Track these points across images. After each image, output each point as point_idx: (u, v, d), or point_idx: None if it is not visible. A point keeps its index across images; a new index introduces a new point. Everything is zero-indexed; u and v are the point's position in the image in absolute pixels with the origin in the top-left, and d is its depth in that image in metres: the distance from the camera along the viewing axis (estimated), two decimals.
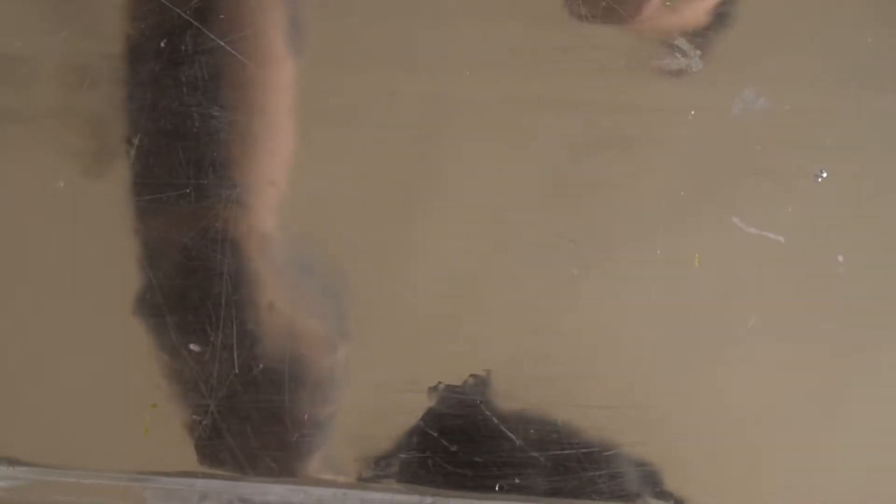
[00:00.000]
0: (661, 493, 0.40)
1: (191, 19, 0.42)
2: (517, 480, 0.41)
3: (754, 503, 0.41)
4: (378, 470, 0.41)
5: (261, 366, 0.42)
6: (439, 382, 0.41)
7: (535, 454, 0.41)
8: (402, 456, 0.41)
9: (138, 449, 0.42)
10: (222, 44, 0.42)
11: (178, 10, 0.42)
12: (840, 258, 0.41)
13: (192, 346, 0.42)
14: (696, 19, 0.41)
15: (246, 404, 0.42)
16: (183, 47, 0.42)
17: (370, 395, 0.41)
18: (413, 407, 0.41)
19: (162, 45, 0.42)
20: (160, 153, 0.42)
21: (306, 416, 0.42)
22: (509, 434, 0.41)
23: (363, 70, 0.42)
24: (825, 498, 0.41)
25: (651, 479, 0.41)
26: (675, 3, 0.41)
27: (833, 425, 0.41)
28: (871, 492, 0.41)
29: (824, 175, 0.41)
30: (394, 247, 0.42)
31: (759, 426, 0.41)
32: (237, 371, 0.42)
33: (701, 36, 0.41)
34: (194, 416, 0.42)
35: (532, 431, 0.41)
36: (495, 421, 0.41)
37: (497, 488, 0.41)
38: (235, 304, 0.42)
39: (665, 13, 0.41)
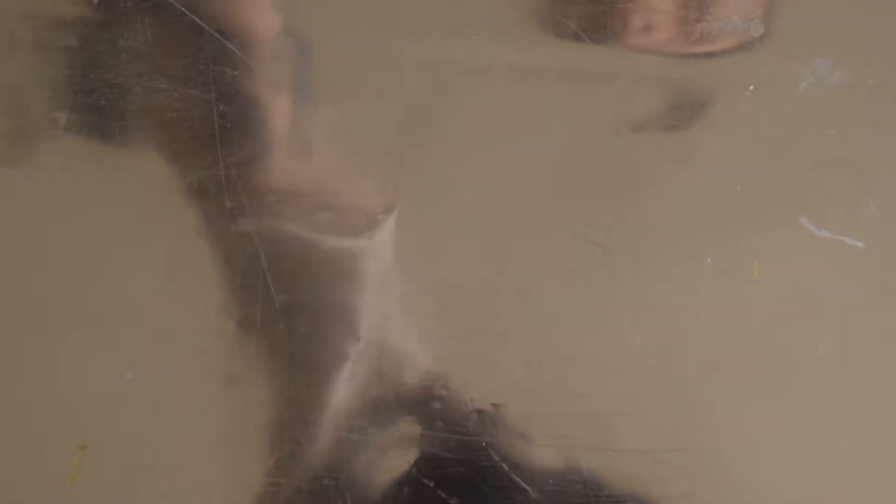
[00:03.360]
0: None
1: None
2: None
3: None
4: None
5: (209, 401, 0.38)
6: (437, 420, 0.38)
7: None
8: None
9: (63, 499, 0.38)
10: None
11: None
12: None
13: (129, 375, 0.38)
14: None
15: (197, 445, 0.38)
16: (122, 2, 0.38)
17: (353, 433, 0.38)
18: (405, 450, 0.38)
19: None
20: (92, 133, 0.38)
21: (272, 461, 0.37)
22: (523, 484, 0.38)
23: (354, 34, 0.39)
24: None
25: None
26: None
27: None
28: None
29: None
30: (381, 252, 0.39)
31: (832, 476, 0.38)
32: (186, 403, 0.37)
33: (768, 8, 0.38)
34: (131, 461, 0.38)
35: (551, 482, 0.38)
36: (505, 468, 0.38)
37: None
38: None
39: None
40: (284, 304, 0.38)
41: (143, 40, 0.38)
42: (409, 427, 0.38)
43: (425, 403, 0.38)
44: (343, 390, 0.39)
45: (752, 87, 0.38)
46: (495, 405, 0.38)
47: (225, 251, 0.39)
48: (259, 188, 0.39)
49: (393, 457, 0.38)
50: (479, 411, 0.38)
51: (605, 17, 0.38)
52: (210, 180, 0.39)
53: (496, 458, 0.37)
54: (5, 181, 0.39)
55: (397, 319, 0.39)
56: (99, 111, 0.38)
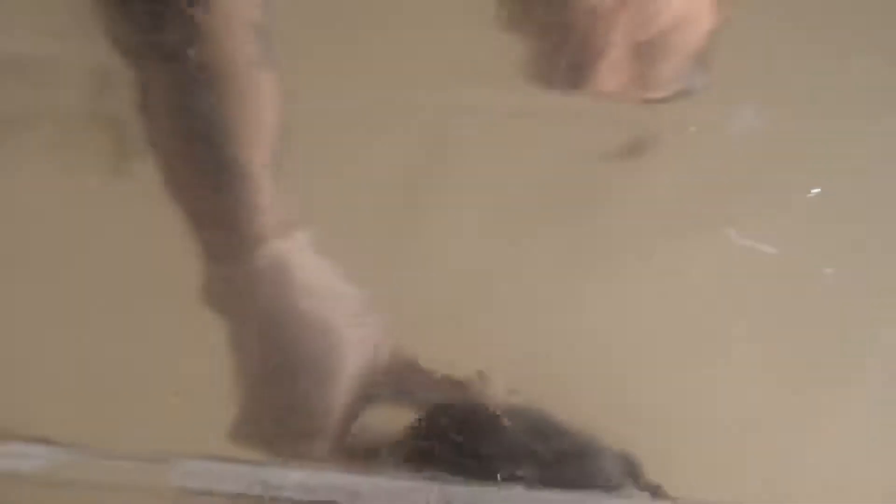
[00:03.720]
0: (645, 484, 0.43)
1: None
2: (517, 471, 0.44)
3: (727, 493, 0.44)
4: (388, 458, 0.44)
5: (281, 359, 0.44)
6: (448, 377, 0.44)
7: (534, 447, 0.44)
8: (412, 446, 0.44)
9: (164, 432, 0.44)
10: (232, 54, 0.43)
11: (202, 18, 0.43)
12: (828, 271, 0.43)
13: (218, 336, 0.44)
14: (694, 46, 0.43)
15: (268, 392, 0.44)
16: (196, 53, 0.43)
17: (383, 389, 0.44)
18: (422, 400, 0.44)
19: (190, 53, 0.43)
20: (182, 154, 0.44)
21: (322, 406, 0.44)
22: (511, 428, 0.44)
23: (370, 83, 0.44)
24: (797, 493, 0.44)
25: (636, 471, 0.43)
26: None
27: (812, 428, 0.44)
28: (841, 489, 0.44)
29: (815, 191, 0.43)
30: (403, 253, 0.44)
31: (740, 427, 0.43)
32: (259, 360, 0.44)
33: (705, 57, 0.43)
34: (220, 404, 0.44)
35: (532, 426, 0.44)
36: (498, 415, 0.44)
37: (498, 478, 0.44)
38: (257, 297, 0.44)
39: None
40: None
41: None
42: (427, 385, 0.44)
43: (439, 368, 0.44)
44: (362, 354, 0.44)
45: (693, 128, 0.43)
46: (491, 369, 0.43)
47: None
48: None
49: (415, 407, 0.44)
50: (479, 372, 0.44)
51: (579, 70, 0.43)
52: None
53: (491, 408, 0.43)
54: (116, 189, 0.44)
55: (422, 306, 0.44)
56: (186, 137, 0.43)
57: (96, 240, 0.45)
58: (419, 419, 0.44)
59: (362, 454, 0.44)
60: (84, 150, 0.45)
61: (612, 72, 0.43)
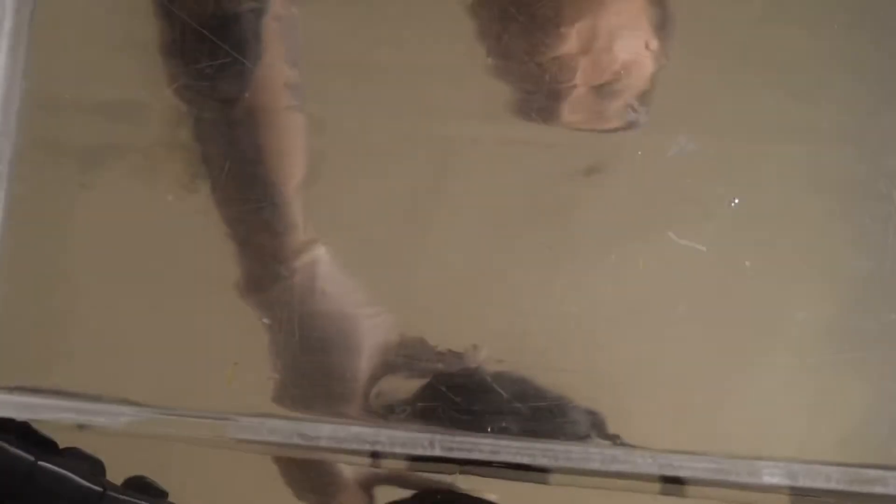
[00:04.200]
0: (606, 434, 0.48)
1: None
2: (503, 424, 0.48)
3: (676, 439, 0.48)
4: (401, 414, 0.48)
5: (316, 335, 0.50)
6: (448, 350, 0.49)
7: (517, 405, 0.48)
8: (419, 404, 0.48)
9: (223, 395, 0.49)
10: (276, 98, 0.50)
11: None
12: (748, 263, 0.48)
13: (265, 320, 0.50)
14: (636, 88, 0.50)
15: (305, 364, 0.50)
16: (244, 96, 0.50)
17: (396, 361, 0.49)
18: (427, 369, 0.49)
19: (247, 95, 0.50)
20: (243, 176, 0.50)
21: (348, 374, 0.50)
22: (499, 390, 0.48)
23: (385, 119, 0.49)
24: (726, 437, 0.48)
25: (600, 424, 0.48)
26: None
27: (737, 386, 0.49)
28: (760, 435, 0.48)
29: (737, 201, 0.49)
30: (410, 256, 0.49)
31: (684, 384, 0.49)
32: (297, 339, 0.49)
33: (648, 96, 0.50)
34: (267, 373, 0.49)
35: (515, 388, 0.48)
36: (488, 380, 0.48)
37: (489, 430, 0.48)
38: (295, 290, 0.50)
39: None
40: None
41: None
42: (431, 357, 0.48)
43: (441, 344, 0.48)
44: (376, 336, 0.49)
45: (640, 152, 0.48)
46: (483, 342, 0.48)
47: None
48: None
49: (422, 374, 0.48)
50: (474, 345, 0.48)
51: (553, 108, 0.49)
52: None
53: (483, 373, 0.48)
54: (189, 203, 0.50)
55: (423, 300, 0.49)
56: (247, 162, 0.49)
57: (172, 243, 0.50)
58: (425, 385, 0.49)
59: (380, 412, 0.49)
60: (163, 173, 0.50)
61: (575, 108, 0.49)
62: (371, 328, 0.49)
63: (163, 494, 0.48)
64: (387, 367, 0.49)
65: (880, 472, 0.46)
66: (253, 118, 0.49)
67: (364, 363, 0.49)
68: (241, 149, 0.50)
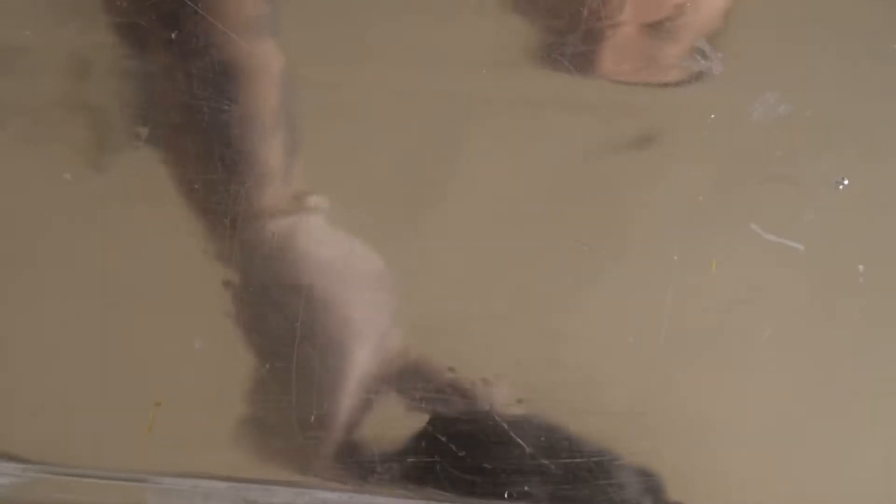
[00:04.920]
0: (664, 503, 0.42)
1: (201, 11, 0.43)
2: (526, 488, 0.42)
3: None
4: (385, 474, 0.42)
5: (267, 366, 0.42)
6: (450, 384, 0.42)
7: (544, 461, 0.42)
8: (410, 460, 0.42)
9: (141, 448, 0.43)
10: (233, 37, 0.43)
11: (189, 3, 0.43)
12: (861, 268, 0.42)
13: (197, 345, 0.43)
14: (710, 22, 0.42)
15: (253, 404, 0.43)
16: (194, 40, 0.43)
17: (379, 398, 0.43)
18: (422, 411, 0.42)
19: (173, 36, 0.42)
20: (169, 147, 0.43)
21: (313, 418, 0.42)
22: (519, 441, 0.42)
23: (376, 68, 0.43)
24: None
25: (656, 489, 0.42)
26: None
27: (845, 436, 0.42)
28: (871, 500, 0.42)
29: (846, 182, 0.42)
30: (403, 248, 0.43)
31: (768, 438, 0.42)
32: (245, 369, 0.42)
33: (723, 38, 0.42)
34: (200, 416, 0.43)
35: (542, 438, 0.42)
36: (504, 427, 0.42)
37: (506, 496, 0.42)
38: (241, 301, 0.43)
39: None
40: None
41: (210, 70, 0.42)
42: (426, 392, 0.42)
43: (439, 374, 0.42)
44: (373, 363, 0.43)
45: (712, 115, 0.42)
46: (496, 375, 0.42)
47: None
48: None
49: (413, 417, 0.42)
50: (483, 380, 0.42)
51: (591, 53, 0.42)
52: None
53: (497, 418, 0.42)
54: (93, 185, 0.43)
55: (419, 301, 0.43)
56: (174, 128, 0.43)
57: (67, 237, 0.44)
58: (418, 432, 0.42)
59: (356, 469, 0.42)
60: (59, 143, 0.44)
61: (622, 54, 0.42)
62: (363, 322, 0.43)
63: None
64: (367, 402, 0.43)
65: None
66: (222, 73, 0.43)
67: (353, 374, 0.43)
68: (203, 109, 0.43)
